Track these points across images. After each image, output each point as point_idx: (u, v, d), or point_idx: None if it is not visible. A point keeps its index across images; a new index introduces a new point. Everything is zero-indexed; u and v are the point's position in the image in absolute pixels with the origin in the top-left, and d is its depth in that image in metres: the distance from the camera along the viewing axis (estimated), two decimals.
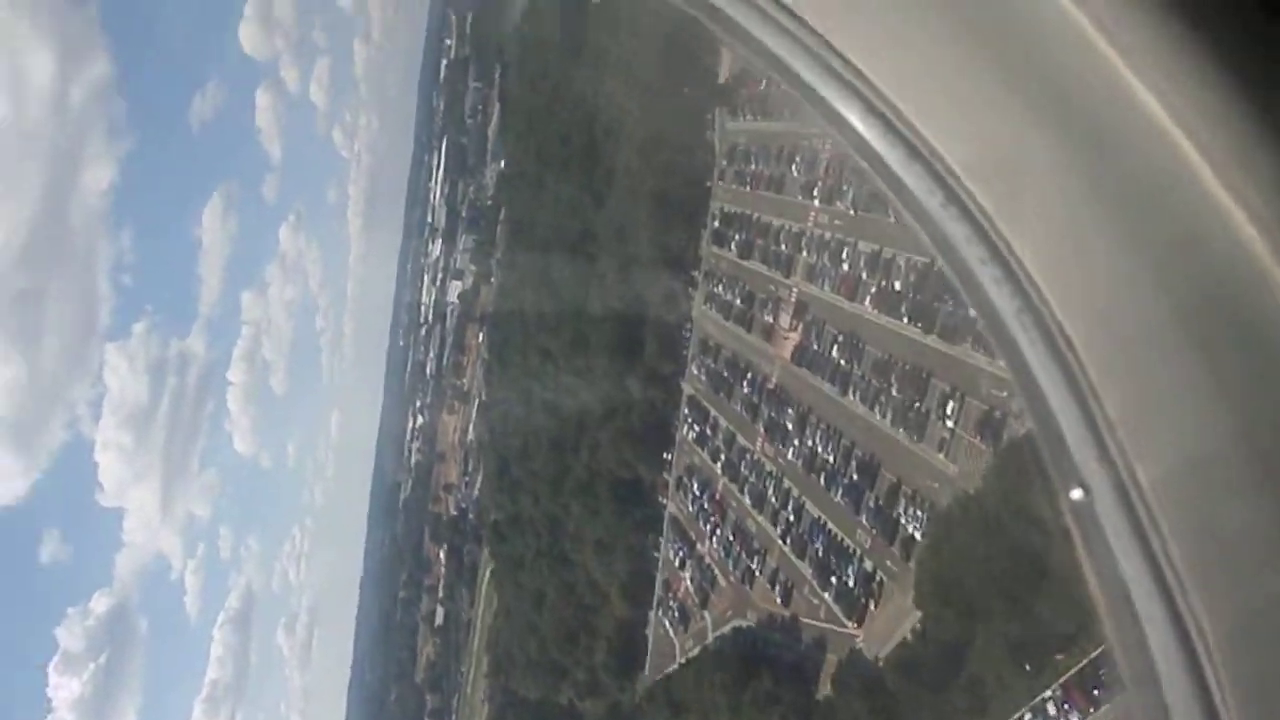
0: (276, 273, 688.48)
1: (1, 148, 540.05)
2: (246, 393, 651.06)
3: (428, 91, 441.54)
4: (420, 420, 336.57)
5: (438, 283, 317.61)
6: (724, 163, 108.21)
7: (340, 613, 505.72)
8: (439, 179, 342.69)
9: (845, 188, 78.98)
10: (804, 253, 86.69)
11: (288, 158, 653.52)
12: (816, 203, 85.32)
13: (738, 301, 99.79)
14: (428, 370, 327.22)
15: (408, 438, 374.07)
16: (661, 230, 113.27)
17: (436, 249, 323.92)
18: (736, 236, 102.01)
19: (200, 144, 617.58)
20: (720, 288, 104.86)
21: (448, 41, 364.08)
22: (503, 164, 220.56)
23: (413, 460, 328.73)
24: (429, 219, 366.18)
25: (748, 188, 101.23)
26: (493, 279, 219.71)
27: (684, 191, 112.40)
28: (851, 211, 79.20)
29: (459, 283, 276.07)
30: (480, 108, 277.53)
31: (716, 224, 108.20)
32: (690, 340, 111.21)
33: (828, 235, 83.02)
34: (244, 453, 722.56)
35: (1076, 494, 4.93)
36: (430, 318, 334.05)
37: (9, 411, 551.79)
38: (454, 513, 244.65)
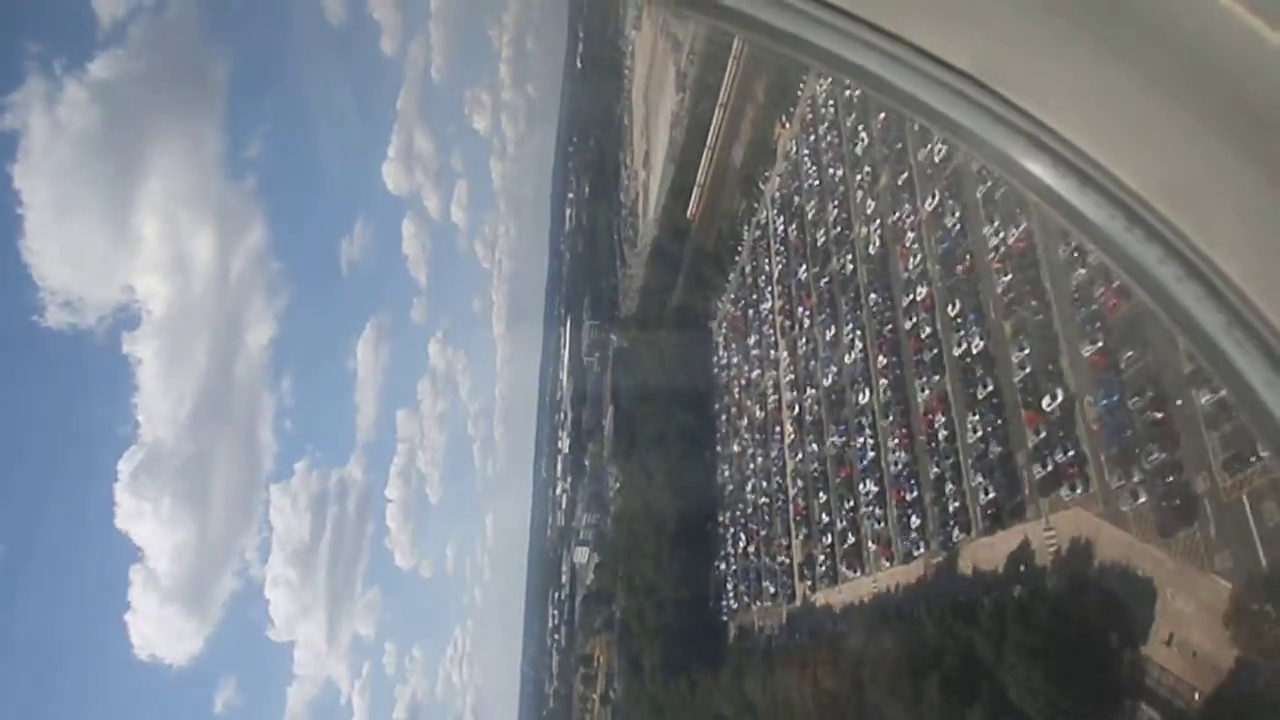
0: (428, 388, 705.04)
1: (171, 329, 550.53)
2: (404, 508, 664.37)
3: (563, 164, 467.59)
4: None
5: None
6: None
7: (504, 705, 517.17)
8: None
9: None
10: None
11: (433, 279, 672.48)
12: None
13: None
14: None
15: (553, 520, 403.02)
16: None
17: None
18: None
19: (351, 283, 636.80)
20: None
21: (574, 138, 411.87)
22: None
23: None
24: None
25: None
26: None
27: None
28: None
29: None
30: None
31: None
32: None
33: None
34: (404, 566, 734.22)
35: None
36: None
37: (183, 574, 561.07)
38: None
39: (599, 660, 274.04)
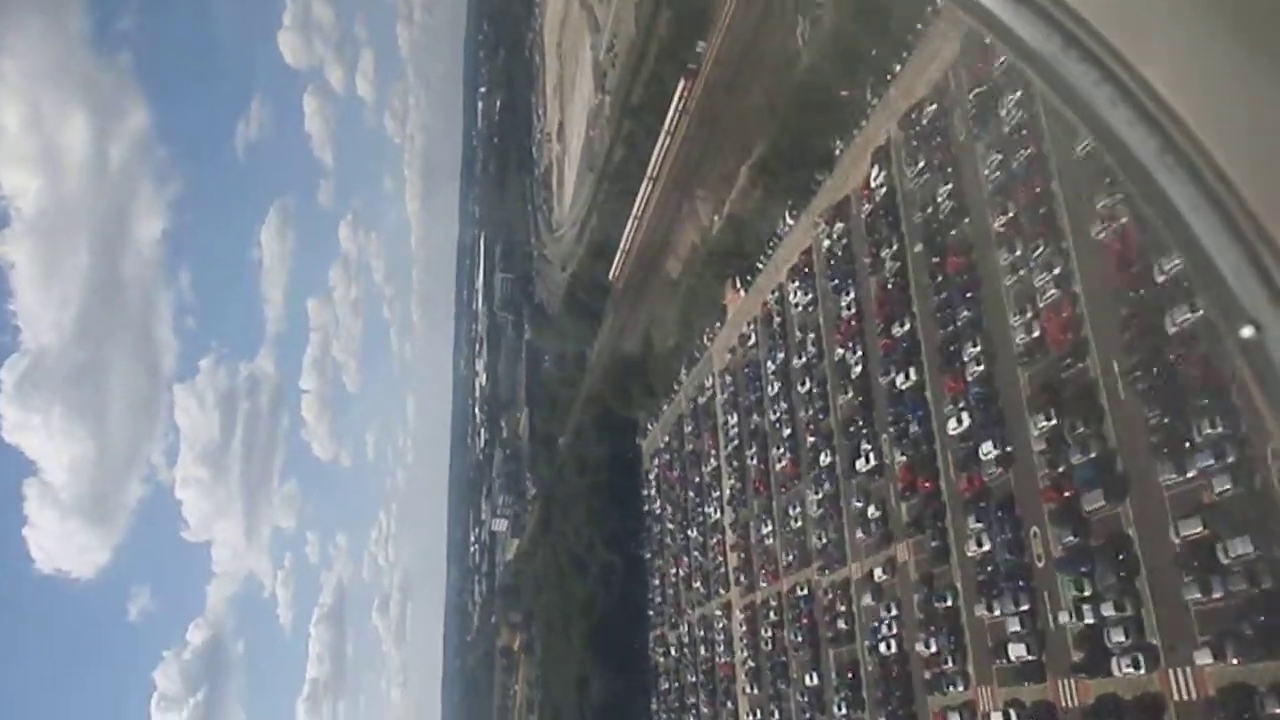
0: (340, 274, 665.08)
1: (46, 228, 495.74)
2: (320, 398, 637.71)
3: (473, 52, 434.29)
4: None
5: None
6: None
7: (430, 582, 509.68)
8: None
9: None
10: None
11: (340, 159, 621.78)
12: None
13: None
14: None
15: (477, 393, 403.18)
16: None
17: None
18: None
19: (249, 167, 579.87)
20: None
21: None
22: None
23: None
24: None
25: None
26: None
27: None
28: None
29: None
30: None
31: None
32: None
33: None
34: (323, 457, 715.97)
35: (1247, 331, 11.08)
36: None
37: (83, 486, 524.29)
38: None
39: None
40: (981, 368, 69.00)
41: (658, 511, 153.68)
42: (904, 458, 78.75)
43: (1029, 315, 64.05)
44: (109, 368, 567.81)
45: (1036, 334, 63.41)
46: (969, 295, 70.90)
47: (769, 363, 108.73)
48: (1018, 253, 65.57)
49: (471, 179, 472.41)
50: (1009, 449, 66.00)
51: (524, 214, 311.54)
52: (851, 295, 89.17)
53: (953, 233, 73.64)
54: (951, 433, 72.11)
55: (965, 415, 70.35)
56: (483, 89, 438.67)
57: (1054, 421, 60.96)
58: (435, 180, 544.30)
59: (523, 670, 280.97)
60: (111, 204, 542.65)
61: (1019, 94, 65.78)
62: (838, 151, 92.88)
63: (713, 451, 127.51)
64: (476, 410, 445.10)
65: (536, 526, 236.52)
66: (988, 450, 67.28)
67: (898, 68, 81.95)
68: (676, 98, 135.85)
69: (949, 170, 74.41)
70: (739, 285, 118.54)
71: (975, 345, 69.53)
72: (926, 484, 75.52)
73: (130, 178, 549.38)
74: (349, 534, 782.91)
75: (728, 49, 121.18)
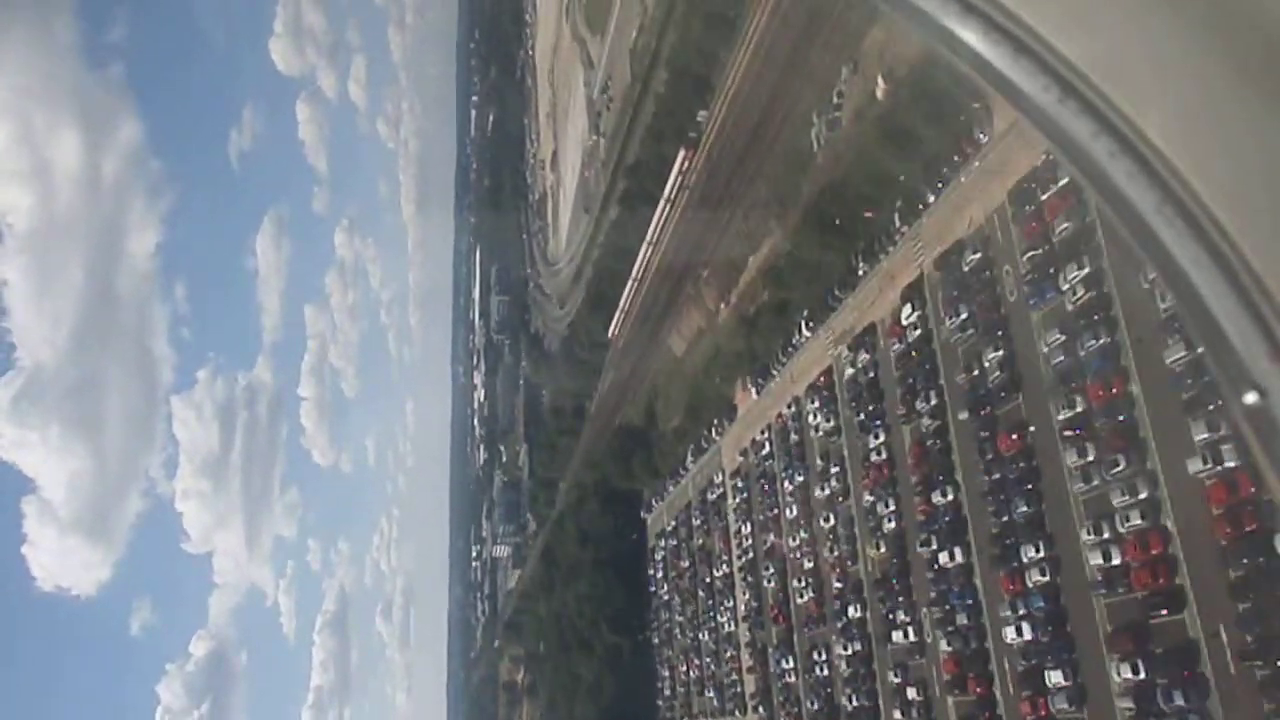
0: (336, 280, 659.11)
1: (38, 245, 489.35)
2: (319, 405, 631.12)
3: (465, 59, 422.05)
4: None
5: None
6: None
7: (433, 587, 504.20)
8: None
9: None
10: None
11: (334, 165, 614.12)
12: None
13: None
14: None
15: (476, 406, 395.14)
16: None
17: None
18: None
19: (243, 176, 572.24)
20: None
21: None
22: None
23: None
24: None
25: None
26: None
27: None
28: None
29: None
30: None
31: None
32: None
33: None
34: (323, 464, 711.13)
35: (1250, 398, 5.01)
36: None
37: (82, 503, 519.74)
38: None
39: None
40: (1045, 578, 59.40)
41: (665, 598, 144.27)
42: (949, 647, 69.30)
43: (1106, 537, 54.39)
44: (105, 382, 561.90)
45: (1116, 562, 53.79)
46: (1028, 488, 61.26)
47: (786, 482, 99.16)
48: (1089, 458, 55.90)
49: (466, 185, 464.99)
50: (1082, 684, 56.58)
51: (519, 240, 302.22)
52: (881, 440, 79.60)
53: (1005, 408, 63.98)
54: (1008, 641, 62.61)
55: (1026, 626, 60.82)
56: (475, 98, 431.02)
57: (1142, 676, 51.48)
58: (430, 185, 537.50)
59: (527, 708, 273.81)
60: (105, 218, 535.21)
61: (1086, 269, 56.18)
62: (860, 271, 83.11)
63: (725, 557, 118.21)
64: (475, 425, 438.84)
65: (537, 581, 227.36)
66: (1056, 680, 57.82)
67: (931, 198, 72.16)
68: (677, 167, 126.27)
69: (998, 334, 64.64)
70: (749, 385, 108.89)
71: (1037, 550, 59.92)
72: (978, 689, 66.10)
73: (123, 191, 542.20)
74: (351, 540, 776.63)
75: (732, 126, 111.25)
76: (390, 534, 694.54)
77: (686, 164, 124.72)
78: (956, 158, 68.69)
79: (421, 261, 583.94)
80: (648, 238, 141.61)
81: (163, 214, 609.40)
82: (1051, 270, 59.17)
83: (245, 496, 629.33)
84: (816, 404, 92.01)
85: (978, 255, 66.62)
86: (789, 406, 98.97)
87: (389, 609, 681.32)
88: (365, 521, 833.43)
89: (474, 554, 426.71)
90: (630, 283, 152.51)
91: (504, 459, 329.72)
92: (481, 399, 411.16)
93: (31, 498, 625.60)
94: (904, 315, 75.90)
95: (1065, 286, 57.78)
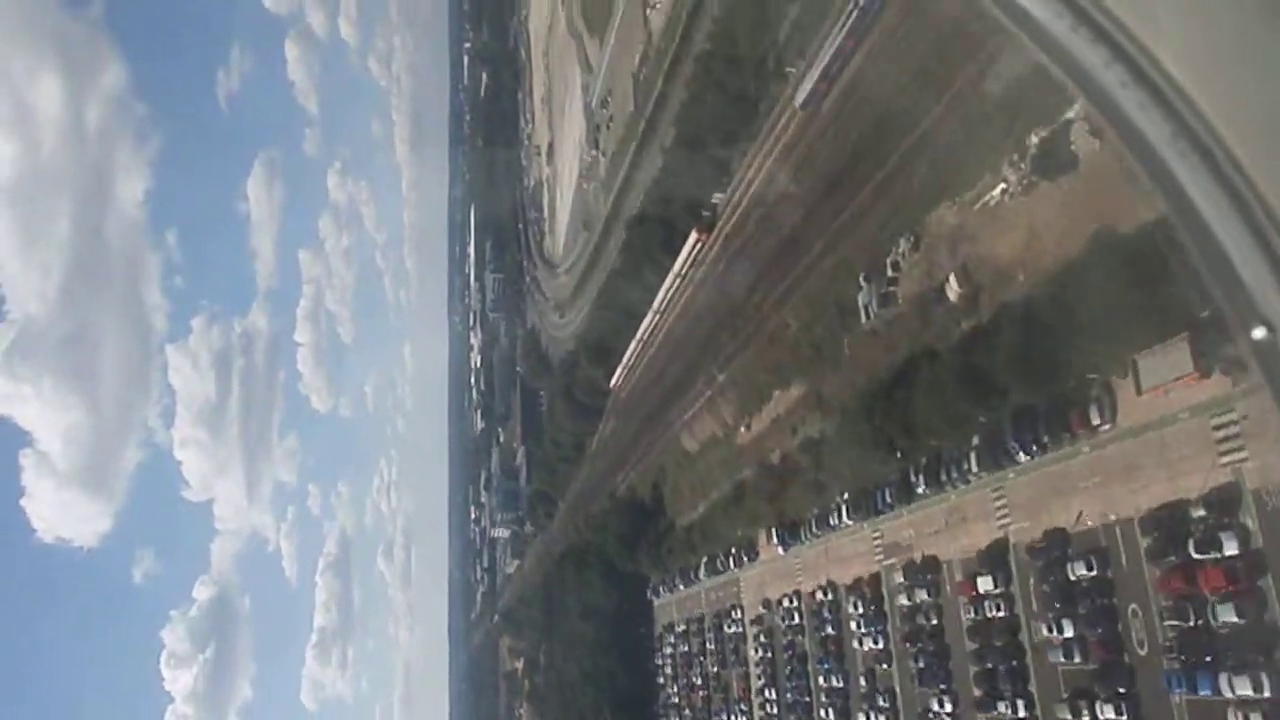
0: (330, 224, 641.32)
1: (22, 195, 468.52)
2: (316, 350, 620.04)
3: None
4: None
5: None
6: None
7: (434, 525, 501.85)
8: None
9: None
10: None
11: (325, 105, 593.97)
12: None
13: None
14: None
15: (473, 369, 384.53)
16: None
17: None
18: None
19: (232, 119, 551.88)
20: None
21: None
22: None
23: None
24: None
25: None
26: None
27: None
28: None
29: None
30: None
31: None
32: None
33: None
34: (321, 409, 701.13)
35: (1259, 333, 11.67)
36: None
37: (79, 455, 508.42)
38: None
39: None
40: None
41: (674, 701, 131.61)
42: None
43: None
44: (99, 333, 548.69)
45: None
46: None
47: (820, 678, 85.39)
48: None
49: (460, 134, 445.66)
50: None
51: (514, 224, 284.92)
52: (948, 710, 65.36)
53: None
54: None
55: None
56: (468, 46, 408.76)
57: None
58: (425, 123, 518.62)
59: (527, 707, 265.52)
60: (91, 165, 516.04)
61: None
62: (920, 489, 67.89)
63: (744, 707, 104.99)
64: (473, 386, 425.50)
65: (536, 623, 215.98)
66: None
67: (1021, 455, 56.47)
68: (689, 246, 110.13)
69: (1121, 692, 49.76)
70: (774, 539, 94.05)
71: None
72: None
73: (109, 137, 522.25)
74: (350, 484, 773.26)
75: (755, 230, 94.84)
76: (390, 476, 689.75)
77: (699, 247, 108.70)
78: (1061, 430, 53.05)
79: (417, 202, 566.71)
80: (655, 306, 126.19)
81: (150, 159, 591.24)
82: (1208, 659, 44.19)
83: (244, 443, 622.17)
84: (860, 610, 77.50)
85: (1092, 574, 51.35)
86: (824, 590, 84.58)
87: (390, 549, 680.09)
88: (365, 464, 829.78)
89: (473, 516, 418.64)
90: (635, 342, 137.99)
91: (501, 441, 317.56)
92: (478, 366, 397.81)
93: (29, 451, 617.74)
94: (980, 582, 60.95)
95: (1231, 693, 42.79)
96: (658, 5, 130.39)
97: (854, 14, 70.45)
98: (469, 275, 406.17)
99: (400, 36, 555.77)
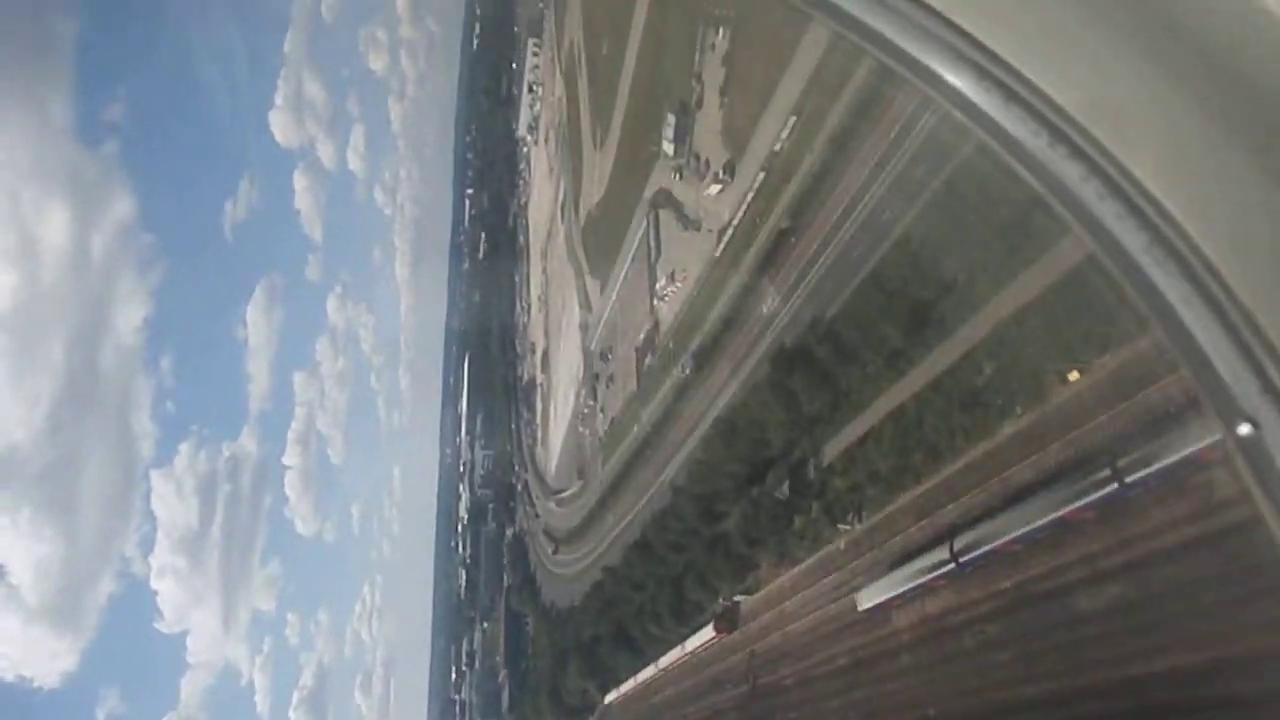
0: (327, 347, 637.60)
1: (19, 325, 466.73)
2: (304, 474, 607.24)
3: (463, 135, 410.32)
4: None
5: None
6: None
7: (415, 656, 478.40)
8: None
9: None
10: None
11: (329, 232, 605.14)
12: None
13: None
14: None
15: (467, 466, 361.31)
16: None
17: None
18: None
19: (237, 247, 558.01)
20: None
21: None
22: None
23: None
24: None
25: None
26: None
27: None
28: None
29: None
30: None
31: None
32: None
33: None
34: (306, 533, 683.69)
35: (1244, 429, 5.35)
36: None
37: (50, 589, 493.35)
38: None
39: None
40: None
41: None
42: None
43: None
44: (82, 462, 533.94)
45: None
46: None
47: None
48: None
49: (459, 265, 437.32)
50: None
51: (506, 407, 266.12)
52: None
53: None
54: None
55: None
56: (469, 192, 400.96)
57: None
58: (425, 247, 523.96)
59: None
60: (92, 295, 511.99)
61: None
62: None
63: None
64: (460, 545, 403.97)
65: None
66: None
67: None
68: (701, 638, 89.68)
69: None
70: None
71: None
72: None
73: (112, 267, 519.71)
74: (331, 611, 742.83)
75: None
76: (373, 601, 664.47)
77: (714, 643, 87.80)
78: None
79: (414, 325, 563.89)
80: (661, 664, 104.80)
81: (152, 288, 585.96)
82: None
83: (224, 571, 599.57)
84: None
85: None
86: None
87: (369, 681, 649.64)
88: (347, 590, 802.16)
89: (453, 678, 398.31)
90: (634, 682, 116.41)
91: (485, 629, 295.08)
92: (465, 523, 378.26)
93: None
94: None
95: None
96: (667, 297, 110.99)
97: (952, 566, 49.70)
98: (460, 413, 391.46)
99: (406, 168, 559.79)
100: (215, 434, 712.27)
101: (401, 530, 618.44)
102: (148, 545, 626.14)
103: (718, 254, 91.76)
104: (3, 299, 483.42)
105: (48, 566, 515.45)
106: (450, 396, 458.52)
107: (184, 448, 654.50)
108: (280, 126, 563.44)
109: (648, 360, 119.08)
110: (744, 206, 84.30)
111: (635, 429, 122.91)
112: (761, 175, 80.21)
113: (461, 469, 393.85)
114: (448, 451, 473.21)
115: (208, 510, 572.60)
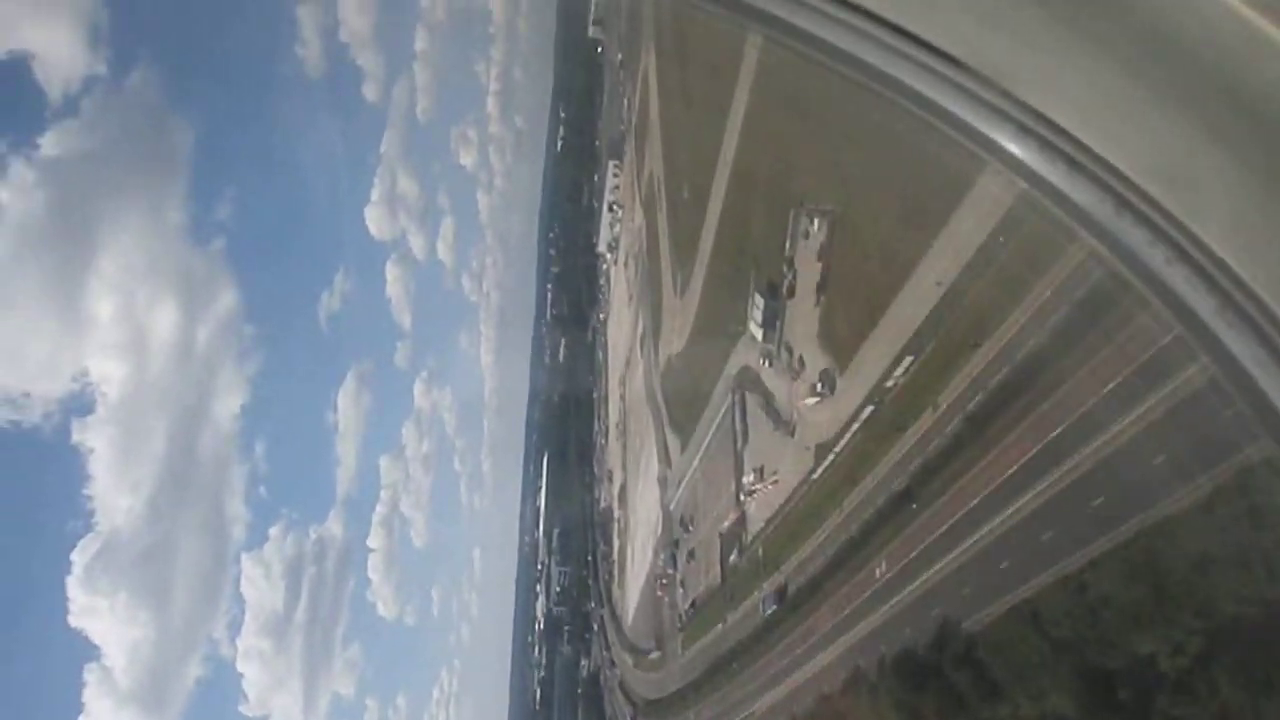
0: (412, 431, 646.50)
1: (127, 412, 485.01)
2: (387, 557, 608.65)
3: (547, 221, 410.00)
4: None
5: None
6: None
7: None
8: None
9: None
10: None
11: (418, 320, 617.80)
12: None
13: None
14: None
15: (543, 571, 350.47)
16: None
17: None
18: None
19: (330, 336, 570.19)
20: None
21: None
22: None
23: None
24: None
25: None
26: None
27: None
28: None
29: None
30: None
31: None
32: None
33: None
34: (387, 617, 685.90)
35: None
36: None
37: (142, 671, 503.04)
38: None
39: None
40: None
41: None
42: None
43: None
44: (177, 546, 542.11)
45: None
46: None
47: None
48: None
49: (541, 350, 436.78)
50: None
51: (582, 533, 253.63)
52: None
53: None
54: None
55: None
56: (550, 288, 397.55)
57: None
58: (509, 334, 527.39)
59: None
60: (194, 385, 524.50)
61: None
62: None
63: None
64: (536, 646, 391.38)
65: None
66: None
67: None
68: None
69: None
70: None
71: None
72: None
73: (214, 357, 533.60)
74: (409, 695, 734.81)
75: None
76: (450, 687, 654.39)
77: None
78: None
79: (497, 408, 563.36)
80: None
81: (250, 376, 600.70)
82: None
83: (306, 654, 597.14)
84: None
85: None
86: None
87: None
88: (426, 675, 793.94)
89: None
90: None
91: None
92: (541, 630, 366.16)
93: (94, 665, 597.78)
94: None
95: None
96: (755, 494, 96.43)
97: None
98: (539, 509, 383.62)
99: (492, 256, 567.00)
100: (303, 517, 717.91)
101: (480, 614, 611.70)
102: (235, 628, 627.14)
103: (816, 475, 77.54)
104: (114, 391, 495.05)
105: (140, 649, 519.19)
106: (530, 487, 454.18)
107: (273, 531, 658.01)
108: (375, 220, 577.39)
109: (732, 557, 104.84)
110: (848, 435, 70.13)
111: (720, 628, 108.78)
112: (870, 409, 65.91)
113: (539, 569, 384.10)
114: (525, 540, 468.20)
115: (293, 593, 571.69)
